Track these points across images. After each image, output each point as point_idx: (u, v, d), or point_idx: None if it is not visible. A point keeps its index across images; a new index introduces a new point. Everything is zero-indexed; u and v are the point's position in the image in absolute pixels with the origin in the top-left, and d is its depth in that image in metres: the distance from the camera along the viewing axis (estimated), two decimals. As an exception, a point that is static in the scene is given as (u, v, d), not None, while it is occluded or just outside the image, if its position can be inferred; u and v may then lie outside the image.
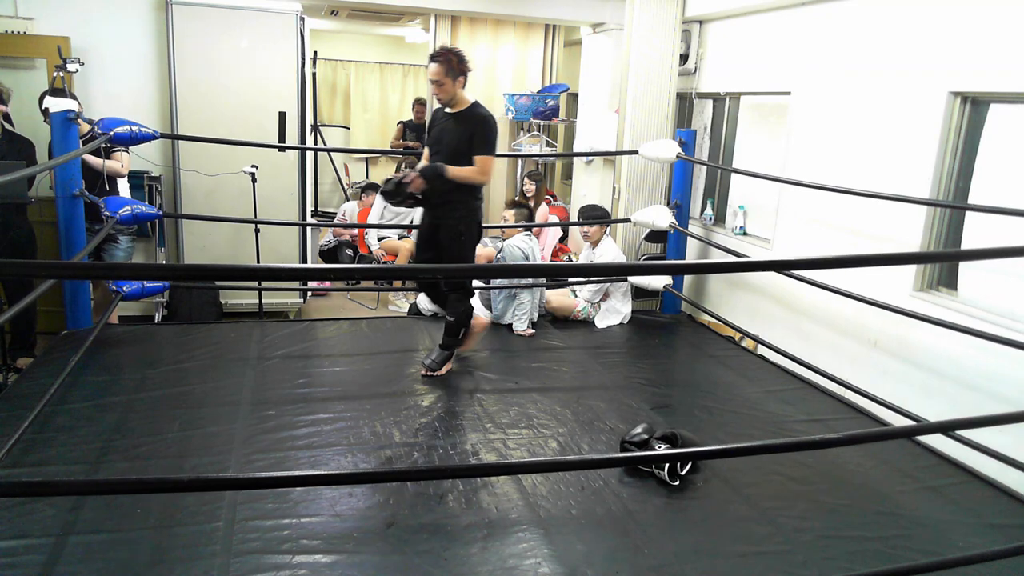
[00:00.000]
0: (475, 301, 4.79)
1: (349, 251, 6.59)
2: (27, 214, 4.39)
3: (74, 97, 4.25)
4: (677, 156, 4.90)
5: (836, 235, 4.17)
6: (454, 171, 3.54)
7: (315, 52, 8.31)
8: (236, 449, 2.96)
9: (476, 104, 3.66)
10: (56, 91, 4.17)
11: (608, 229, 5.11)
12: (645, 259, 5.48)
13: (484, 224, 7.24)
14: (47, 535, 2.33)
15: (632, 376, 4.05)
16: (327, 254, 6.70)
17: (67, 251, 3.94)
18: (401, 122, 8.78)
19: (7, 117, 4.34)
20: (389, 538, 2.47)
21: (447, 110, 3.67)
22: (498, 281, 4.75)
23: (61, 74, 4.25)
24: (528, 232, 4.91)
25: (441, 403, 3.54)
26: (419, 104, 8.43)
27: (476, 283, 4.89)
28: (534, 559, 2.39)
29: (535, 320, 4.75)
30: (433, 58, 3.55)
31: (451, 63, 3.51)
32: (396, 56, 9.94)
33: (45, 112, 4.28)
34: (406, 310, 5.49)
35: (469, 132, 3.57)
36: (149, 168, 5.04)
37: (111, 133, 3.94)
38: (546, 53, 7.39)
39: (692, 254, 5.36)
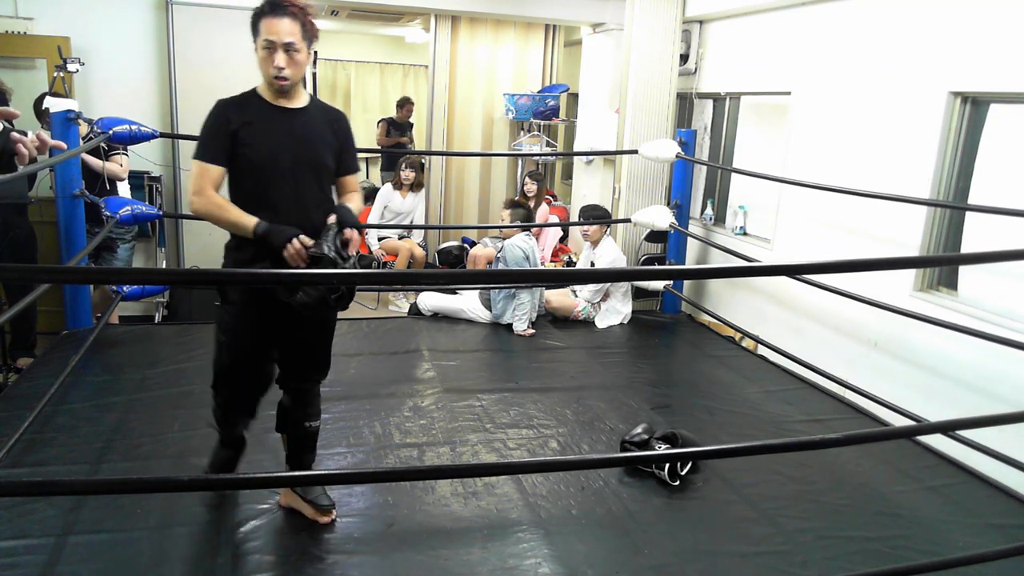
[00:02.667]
0: (475, 301, 4.80)
1: (349, 251, 6.58)
2: (27, 214, 4.39)
3: (56, 95, 4.25)
4: (677, 156, 4.90)
5: (836, 235, 4.17)
6: (352, 212, 2.34)
7: (315, 52, 8.30)
8: (236, 449, 2.96)
9: (313, 95, 2.47)
10: (53, 94, 4.16)
11: (608, 229, 5.11)
12: (645, 259, 5.48)
13: (484, 224, 7.33)
14: (47, 535, 2.33)
15: (632, 376, 4.05)
16: (327, 254, 6.68)
17: (67, 251, 3.95)
18: (383, 120, 8.64)
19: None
20: (389, 538, 2.47)
21: (282, 104, 2.30)
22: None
23: (61, 74, 4.26)
24: (528, 232, 4.91)
25: (441, 403, 3.54)
26: (408, 103, 8.42)
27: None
28: (534, 559, 2.39)
29: (535, 320, 4.75)
30: (280, 8, 2.20)
31: (307, 23, 2.25)
32: (396, 56, 9.95)
33: (40, 115, 4.28)
34: (406, 310, 5.49)
35: (338, 139, 2.38)
36: (149, 168, 5.04)
37: (110, 132, 3.94)
38: (546, 53, 7.39)
39: (692, 254, 5.36)
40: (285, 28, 2.20)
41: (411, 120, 8.57)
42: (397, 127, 8.44)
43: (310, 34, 2.27)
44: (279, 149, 2.28)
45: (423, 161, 6.77)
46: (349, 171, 2.46)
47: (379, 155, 9.24)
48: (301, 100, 2.34)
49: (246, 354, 2.41)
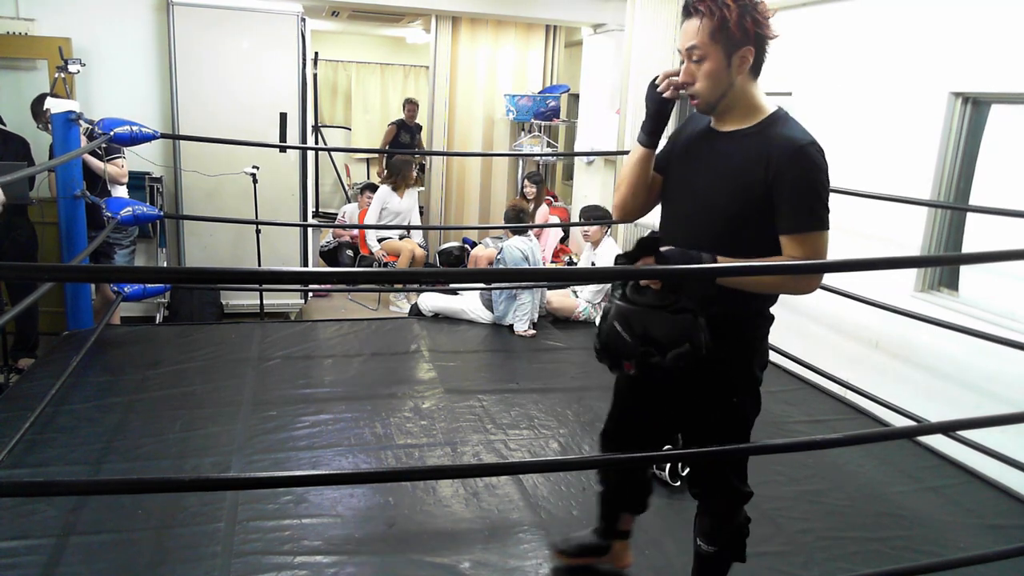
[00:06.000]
0: (476, 302, 4.80)
1: (349, 252, 6.60)
2: (28, 215, 4.39)
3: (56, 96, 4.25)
4: (678, 157, 4.89)
5: (837, 236, 4.12)
6: (731, 265, 1.76)
7: (316, 53, 8.33)
8: (237, 449, 2.96)
9: (783, 118, 1.78)
10: (54, 95, 4.17)
11: (609, 230, 5.11)
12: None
13: (485, 225, 7.30)
14: (48, 535, 2.33)
15: (633, 377, 4.04)
16: (328, 255, 6.71)
17: (68, 252, 3.95)
18: (393, 122, 8.63)
19: None
20: (390, 539, 2.47)
21: (714, 126, 1.85)
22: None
23: (62, 75, 4.26)
24: (528, 233, 4.91)
25: (442, 404, 3.53)
26: (410, 104, 8.40)
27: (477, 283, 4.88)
28: (535, 560, 2.39)
29: (536, 321, 4.75)
30: (687, 8, 1.74)
31: (725, 18, 1.68)
32: (397, 57, 9.96)
33: (37, 116, 4.27)
34: (407, 311, 5.49)
35: (767, 176, 1.72)
36: (150, 169, 5.05)
37: (111, 133, 3.94)
38: (547, 54, 7.40)
39: (693, 255, 5.35)
40: (689, 30, 1.74)
41: (418, 122, 8.53)
42: (407, 129, 8.42)
43: (730, 34, 1.70)
44: (684, 176, 1.93)
45: (423, 162, 6.79)
46: (781, 225, 1.75)
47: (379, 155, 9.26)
48: (746, 120, 1.80)
49: None
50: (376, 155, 9.59)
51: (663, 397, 1.96)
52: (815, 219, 1.74)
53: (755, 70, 1.77)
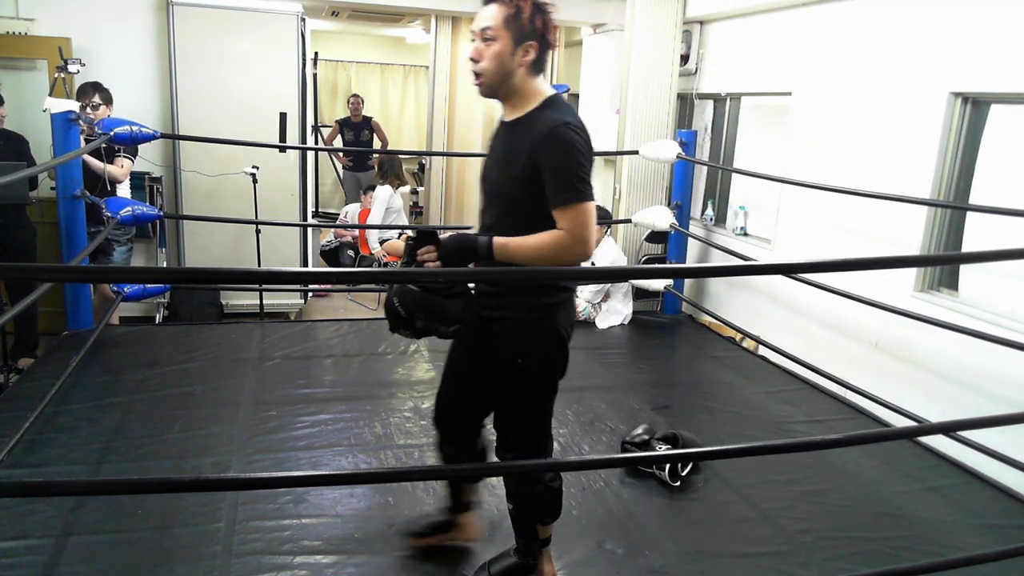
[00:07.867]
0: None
1: (350, 252, 6.60)
2: (27, 214, 4.39)
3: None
4: (678, 156, 4.89)
5: (837, 235, 4.16)
6: (508, 245, 1.88)
7: (316, 53, 8.32)
8: (237, 450, 2.97)
9: (552, 102, 1.95)
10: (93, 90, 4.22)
11: (609, 230, 5.11)
12: (646, 260, 5.48)
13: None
14: (48, 536, 2.34)
15: (633, 377, 4.05)
16: (328, 255, 6.71)
17: (68, 252, 3.95)
18: (337, 120, 8.45)
19: None
20: (390, 539, 2.47)
21: (504, 118, 2.01)
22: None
23: (62, 75, 4.26)
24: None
25: (442, 404, 3.53)
26: (354, 98, 8.27)
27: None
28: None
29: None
30: None
31: (520, 8, 1.86)
32: (397, 57, 9.95)
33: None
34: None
35: (531, 158, 1.87)
36: (150, 169, 5.05)
37: (111, 133, 3.94)
38: (547, 54, 7.39)
39: (693, 255, 5.36)
40: (485, 14, 1.89)
41: (366, 115, 8.31)
42: (349, 127, 8.27)
43: (522, 25, 1.86)
44: (484, 169, 2.10)
45: (422, 161, 6.78)
46: (549, 202, 1.88)
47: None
48: (522, 108, 1.95)
49: None
50: (375, 155, 9.58)
51: (472, 368, 2.18)
52: (573, 192, 1.86)
53: (537, 67, 1.93)
